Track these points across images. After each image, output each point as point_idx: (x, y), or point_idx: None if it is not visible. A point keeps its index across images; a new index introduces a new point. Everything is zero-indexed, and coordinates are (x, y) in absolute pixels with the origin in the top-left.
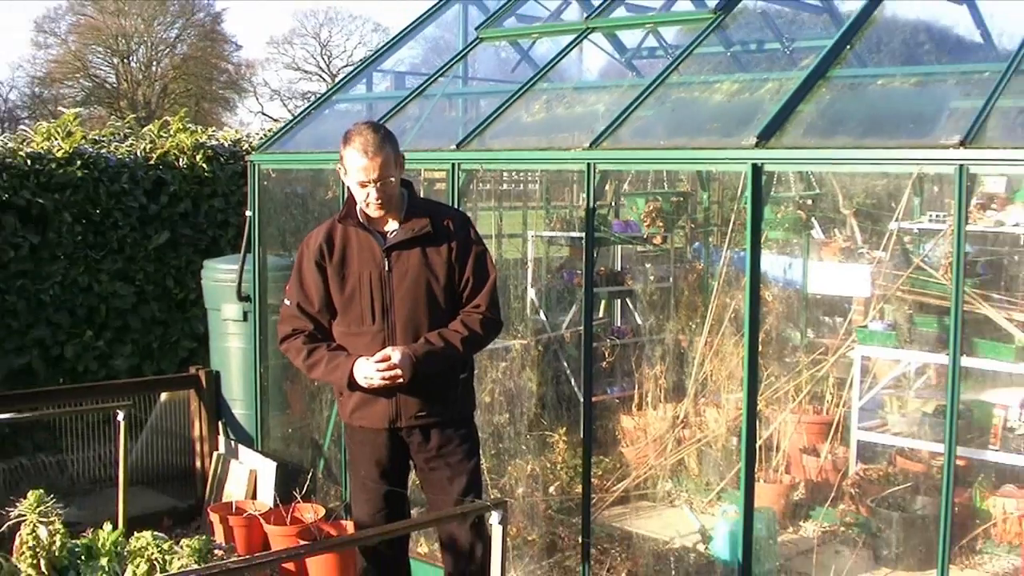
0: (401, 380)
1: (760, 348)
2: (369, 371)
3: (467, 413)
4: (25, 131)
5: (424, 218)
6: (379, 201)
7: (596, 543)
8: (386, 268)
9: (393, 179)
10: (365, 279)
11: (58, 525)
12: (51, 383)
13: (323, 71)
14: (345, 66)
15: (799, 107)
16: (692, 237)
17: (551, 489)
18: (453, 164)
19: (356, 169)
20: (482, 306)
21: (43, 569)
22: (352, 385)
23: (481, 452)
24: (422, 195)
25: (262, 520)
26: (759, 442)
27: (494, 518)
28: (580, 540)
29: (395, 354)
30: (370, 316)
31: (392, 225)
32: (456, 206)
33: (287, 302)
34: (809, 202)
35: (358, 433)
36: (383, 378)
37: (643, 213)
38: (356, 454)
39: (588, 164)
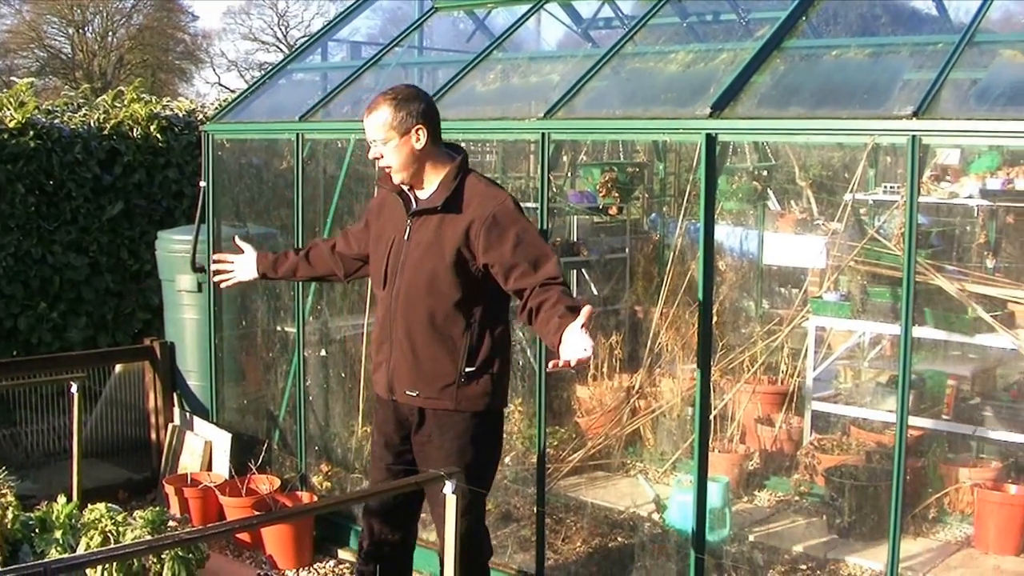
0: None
1: (715, 319)
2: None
3: (472, 410)
4: None
5: (445, 192)
6: (382, 163)
7: (551, 513)
8: (406, 235)
9: (388, 141)
10: (388, 242)
11: (11, 498)
12: (4, 356)
13: (281, 42)
14: (302, 37)
15: (753, 78)
16: (648, 208)
17: (506, 459)
18: None
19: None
20: (558, 278)
21: None
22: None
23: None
24: None
25: (217, 492)
26: (714, 412)
27: (447, 488)
28: (535, 510)
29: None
30: (382, 280)
31: (424, 193)
32: None
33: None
34: (764, 173)
35: (375, 399)
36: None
37: (599, 184)
38: (374, 418)
39: (543, 134)
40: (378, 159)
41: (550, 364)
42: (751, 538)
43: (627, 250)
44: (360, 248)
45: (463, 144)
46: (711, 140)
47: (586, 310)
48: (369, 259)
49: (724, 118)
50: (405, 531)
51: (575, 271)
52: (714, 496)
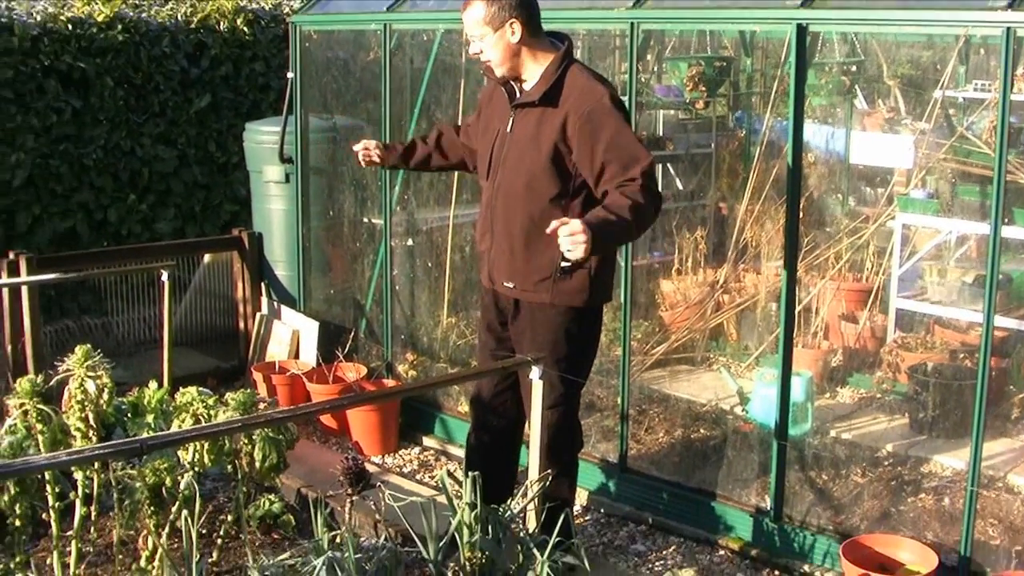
0: (584, 246)
1: (800, 215)
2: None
3: (567, 304)
4: None
5: (544, 84)
6: (482, 58)
7: (634, 404)
8: (509, 127)
9: (484, 37)
10: (493, 133)
11: (106, 380)
12: (95, 247)
13: None
14: None
15: None
16: (734, 105)
17: None
18: None
19: None
20: (638, 179)
21: (92, 423)
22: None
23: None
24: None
25: (304, 379)
26: (798, 308)
27: (534, 374)
28: (619, 401)
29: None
30: (486, 171)
31: (527, 85)
32: None
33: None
34: (853, 68)
35: (480, 288)
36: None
37: (685, 78)
38: (480, 305)
39: (632, 23)
40: (478, 54)
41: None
42: (832, 433)
43: (712, 146)
44: (475, 139)
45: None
46: (802, 30)
47: (571, 226)
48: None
49: (815, 7)
50: (508, 420)
51: (660, 165)
52: (797, 390)
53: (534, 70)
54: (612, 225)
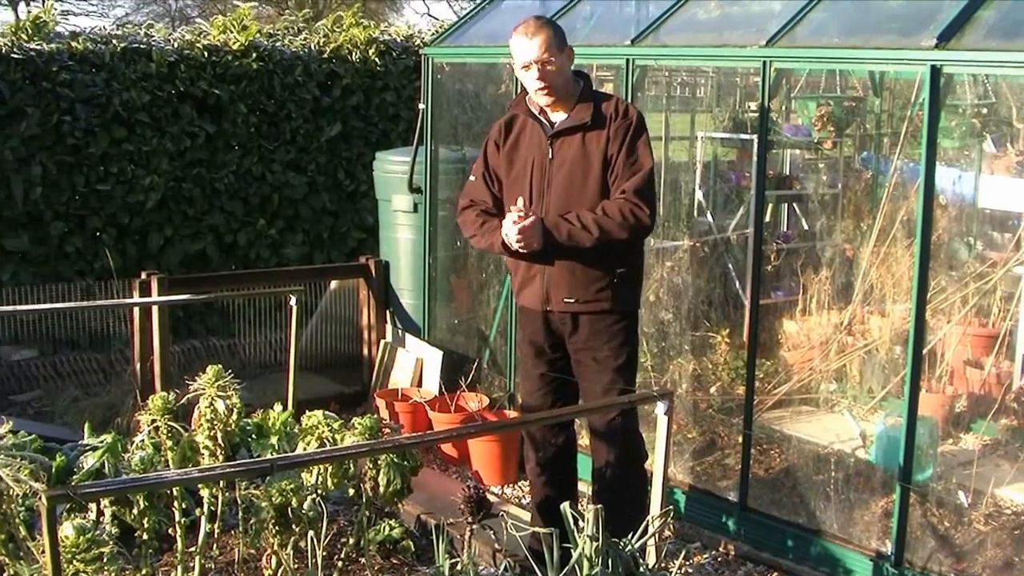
0: (536, 245)
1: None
2: (507, 226)
3: (623, 308)
4: (200, 25)
5: (586, 110)
6: (543, 85)
7: (755, 443)
8: (549, 156)
9: (554, 61)
10: (529, 165)
11: (235, 400)
12: (224, 269)
13: None
14: None
15: (979, 12)
16: (861, 145)
17: (712, 389)
18: (627, 59)
19: (518, 52)
20: (626, 192)
21: (220, 441)
22: (506, 249)
23: (643, 349)
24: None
25: (427, 407)
26: (923, 351)
27: (660, 408)
28: (739, 440)
29: (529, 218)
30: (528, 201)
31: (561, 115)
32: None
33: (472, 178)
34: (984, 111)
35: (521, 313)
36: (517, 239)
37: (814, 117)
38: (519, 333)
39: (764, 61)
40: (540, 79)
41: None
42: (955, 479)
43: (839, 186)
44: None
45: (680, 70)
46: (935, 72)
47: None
48: (503, 190)
49: (949, 49)
50: (566, 434)
51: (786, 204)
52: (921, 434)
53: (571, 98)
54: (567, 228)
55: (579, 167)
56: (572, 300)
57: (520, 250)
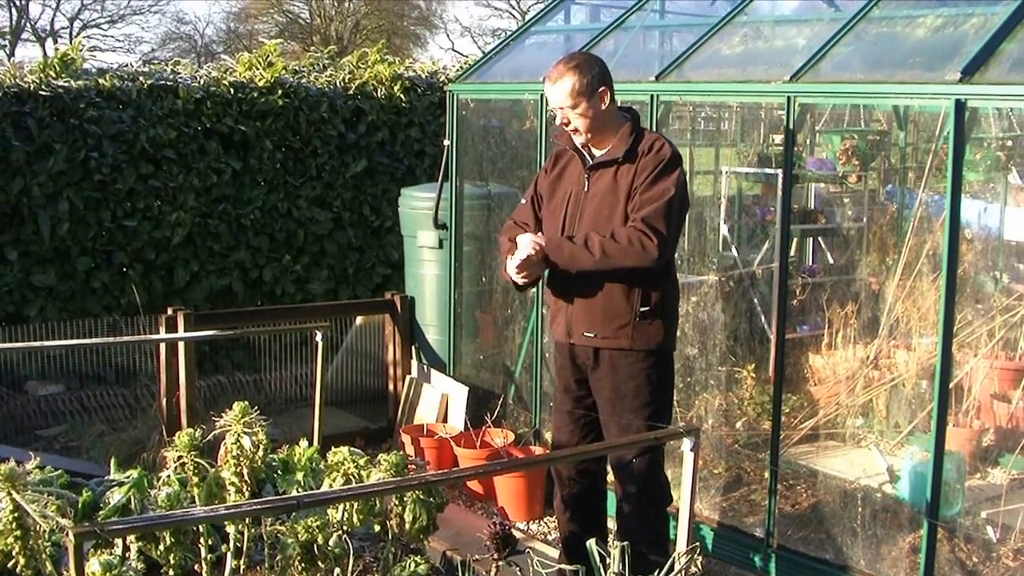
0: (534, 256)
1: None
2: (509, 266)
3: (646, 348)
4: (226, 61)
5: (623, 145)
6: (570, 126)
7: (781, 479)
8: (584, 188)
9: (579, 107)
10: (567, 195)
11: (261, 436)
12: (250, 305)
13: (514, 8)
14: (536, 2)
15: (1002, 45)
16: (885, 178)
17: (738, 424)
18: (652, 95)
19: (547, 96)
20: (638, 220)
21: (246, 478)
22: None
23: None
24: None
25: (452, 443)
26: (950, 385)
27: (686, 445)
28: (766, 475)
29: (528, 237)
30: (560, 231)
31: (603, 149)
32: None
33: (522, 200)
34: (1009, 143)
35: (553, 345)
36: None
37: (839, 151)
38: (554, 367)
39: (788, 97)
40: (565, 124)
41: None
42: (983, 514)
43: (864, 220)
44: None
45: (704, 105)
46: (960, 106)
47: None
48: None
49: (974, 83)
50: (593, 471)
51: (811, 238)
52: (948, 469)
53: (611, 136)
54: (568, 249)
55: (607, 200)
56: (592, 335)
57: (522, 281)
